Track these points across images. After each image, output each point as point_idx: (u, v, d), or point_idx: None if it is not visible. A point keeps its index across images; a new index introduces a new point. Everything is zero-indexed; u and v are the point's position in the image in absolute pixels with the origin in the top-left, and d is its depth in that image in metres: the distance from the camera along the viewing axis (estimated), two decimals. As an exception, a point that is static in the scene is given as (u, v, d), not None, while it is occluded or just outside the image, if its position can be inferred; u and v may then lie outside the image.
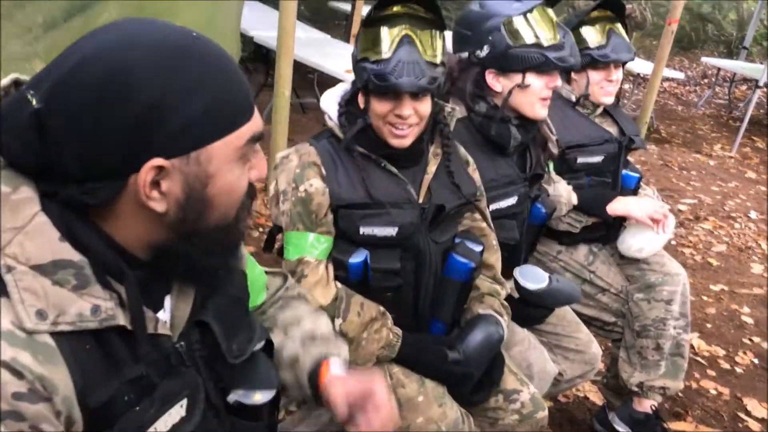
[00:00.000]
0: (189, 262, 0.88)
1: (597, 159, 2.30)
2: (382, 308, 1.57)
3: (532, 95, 1.85)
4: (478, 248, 1.66)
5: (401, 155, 1.57)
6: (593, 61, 2.26)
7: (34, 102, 0.76)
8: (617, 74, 2.31)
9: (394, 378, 1.59)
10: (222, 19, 2.49)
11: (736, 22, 12.81)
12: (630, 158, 2.51)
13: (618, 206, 2.25)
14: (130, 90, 0.75)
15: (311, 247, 1.52)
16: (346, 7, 7.06)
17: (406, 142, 1.54)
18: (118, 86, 0.75)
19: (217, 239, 0.88)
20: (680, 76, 8.36)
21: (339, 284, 1.55)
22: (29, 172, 0.79)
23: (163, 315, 0.91)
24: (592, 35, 2.28)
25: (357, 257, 1.53)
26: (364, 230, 1.53)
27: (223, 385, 0.97)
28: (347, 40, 6.28)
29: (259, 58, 7.08)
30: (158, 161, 0.77)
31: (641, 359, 2.29)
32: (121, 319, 0.80)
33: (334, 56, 5.15)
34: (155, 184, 0.79)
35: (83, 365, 0.77)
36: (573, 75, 2.36)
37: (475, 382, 1.61)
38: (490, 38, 1.80)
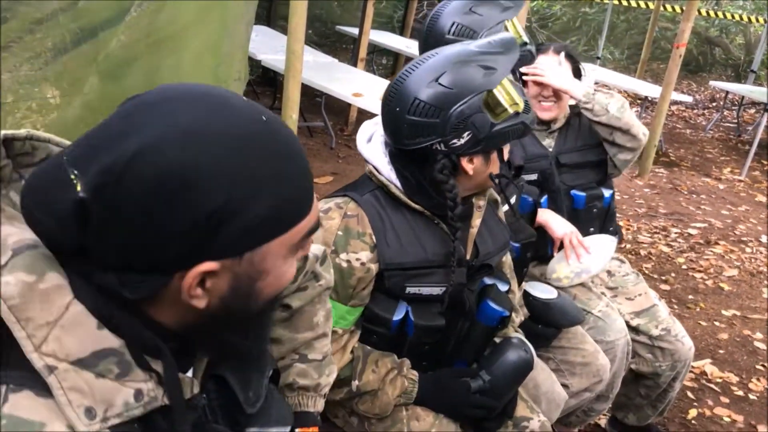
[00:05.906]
0: (223, 345, 0.84)
1: (531, 177, 2.23)
2: (397, 359, 1.53)
3: None
4: (504, 287, 1.63)
5: (455, 214, 1.44)
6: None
7: (78, 188, 0.67)
8: (546, 92, 2.25)
9: (410, 410, 1.55)
10: (230, 43, 2.50)
11: (744, 45, 12.84)
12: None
13: (541, 217, 2.19)
14: (192, 192, 0.67)
15: (341, 319, 1.46)
16: (354, 31, 7.11)
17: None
18: (178, 187, 0.67)
19: (256, 324, 0.84)
20: (688, 99, 8.34)
21: (356, 344, 1.51)
22: (59, 250, 0.72)
23: (191, 372, 0.88)
24: None
25: (399, 313, 1.49)
26: (410, 290, 1.48)
27: (239, 429, 0.94)
28: (354, 64, 6.31)
29: (267, 81, 7.15)
30: (209, 266, 0.71)
31: None
32: (162, 399, 0.77)
33: (341, 80, 5.15)
34: (200, 282, 0.73)
35: None
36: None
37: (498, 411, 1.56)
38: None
